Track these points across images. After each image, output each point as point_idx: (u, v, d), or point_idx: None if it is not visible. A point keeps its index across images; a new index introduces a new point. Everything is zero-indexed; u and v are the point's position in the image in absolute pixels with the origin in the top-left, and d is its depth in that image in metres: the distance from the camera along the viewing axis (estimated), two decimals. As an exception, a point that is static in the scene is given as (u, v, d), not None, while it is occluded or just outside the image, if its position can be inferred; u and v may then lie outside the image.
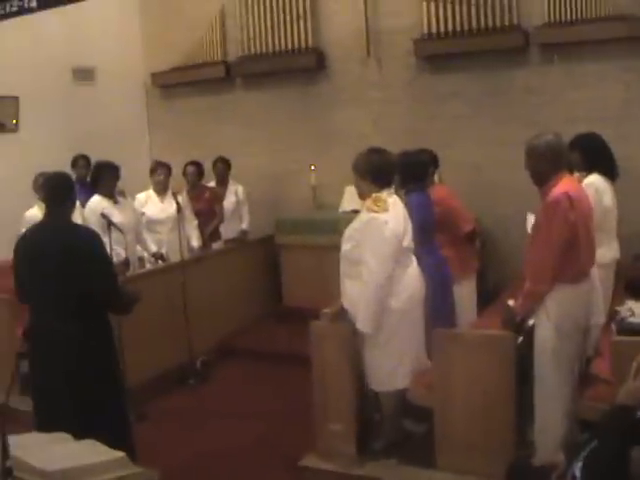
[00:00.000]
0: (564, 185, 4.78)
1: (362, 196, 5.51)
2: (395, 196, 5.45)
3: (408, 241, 5.36)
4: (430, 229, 6.12)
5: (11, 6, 6.24)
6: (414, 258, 5.49)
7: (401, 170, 5.89)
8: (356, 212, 8.70)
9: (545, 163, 4.84)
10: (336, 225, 8.67)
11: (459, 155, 8.61)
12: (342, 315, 5.45)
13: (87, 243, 4.90)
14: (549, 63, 8.63)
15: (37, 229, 5.06)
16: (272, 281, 9.47)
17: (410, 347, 5.41)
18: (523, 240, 8.15)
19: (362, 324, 5.25)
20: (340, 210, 9.29)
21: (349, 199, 9.22)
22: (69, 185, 5.12)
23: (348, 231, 5.43)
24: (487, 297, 7.22)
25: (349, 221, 8.37)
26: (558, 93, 8.56)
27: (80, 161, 9.21)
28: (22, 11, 6.24)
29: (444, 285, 6.23)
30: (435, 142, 8.13)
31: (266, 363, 8.05)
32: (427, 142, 8.11)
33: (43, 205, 5.80)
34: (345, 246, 5.39)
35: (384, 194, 5.33)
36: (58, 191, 5.00)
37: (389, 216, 5.23)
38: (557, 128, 7.89)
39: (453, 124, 9.10)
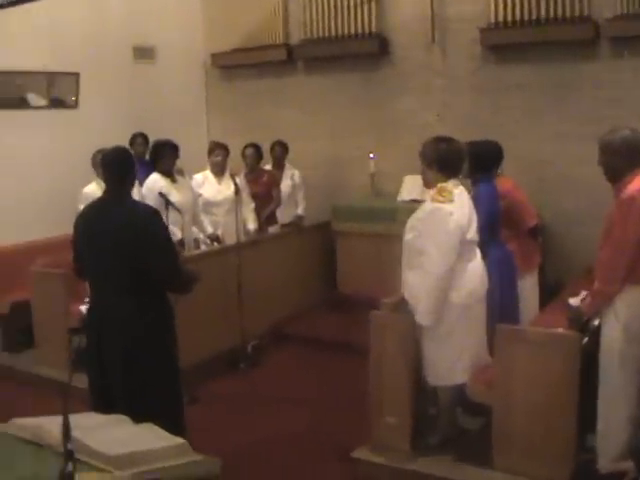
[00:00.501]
0: (639, 182, 4.61)
1: (427, 185, 5.37)
2: (461, 187, 5.30)
3: (472, 234, 5.21)
4: (497, 221, 5.97)
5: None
6: (478, 252, 5.35)
7: (470, 160, 5.70)
8: (415, 202, 8.69)
9: (620, 159, 4.67)
10: (394, 214, 8.65)
11: (522, 148, 8.40)
12: (403, 306, 5.34)
13: (147, 220, 4.81)
14: (619, 57, 8.37)
15: (96, 205, 4.99)
16: (327, 268, 9.38)
17: (470, 342, 5.27)
18: (586, 236, 8.11)
19: (421, 317, 5.13)
20: (399, 199, 9.17)
21: (408, 188, 9.13)
22: (129, 160, 5.00)
23: (411, 221, 5.30)
24: (548, 292, 7.05)
25: (408, 210, 8.35)
26: (628, 89, 8.30)
27: (138, 139, 9.21)
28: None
29: (511, 279, 6.09)
30: (499, 134, 7.90)
31: (319, 350, 7.98)
32: (491, 133, 7.91)
33: (101, 182, 5.78)
34: (407, 236, 5.25)
35: (450, 184, 5.19)
36: (117, 166, 4.89)
37: (454, 207, 5.09)
38: (626, 124, 7.83)
39: (518, 116, 8.91)
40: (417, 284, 5.15)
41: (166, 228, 5.10)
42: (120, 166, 4.90)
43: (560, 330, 4.99)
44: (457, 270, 5.11)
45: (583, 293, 6.25)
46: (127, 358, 4.71)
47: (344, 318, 8.54)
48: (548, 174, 8.67)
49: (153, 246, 4.72)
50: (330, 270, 9.33)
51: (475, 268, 5.28)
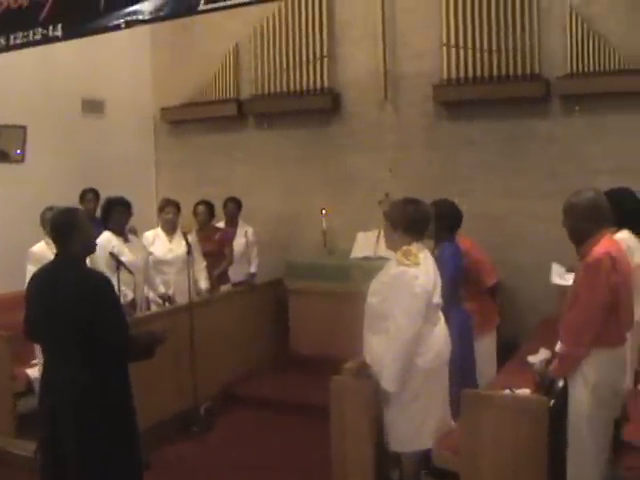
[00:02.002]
0: (605, 244, 4.56)
1: (391, 246, 5.28)
2: (426, 250, 5.21)
3: (437, 297, 5.13)
4: (459, 282, 5.90)
5: (34, 34, 6.02)
6: (441, 315, 5.26)
7: (435, 221, 5.61)
8: (368, 259, 8.63)
9: (586, 221, 4.61)
10: (347, 271, 8.56)
11: (476, 205, 8.38)
12: (364, 371, 5.19)
13: (97, 289, 4.60)
14: (571, 114, 8.45)
15: (47, 269, 4.79)
16: (280, 326, 9.17)
17: (435, 407, 5.17)
18: (542, 292, 8.10)
19: (386, 383, 4.99)
20: (352, 256, 9.05)
21: (361, 245, 9.04)
22: (76, 221, 4.76)
23: (375, 284, 5.19)
24: (504, 349, 7.01)
25: (361, 267, 8.41)
26: (580, 145, 8.39)
27: (89, 194, 9.03)
28: (46, 40, 6.01)
29: (469, 340, 6.02)
30: (452, 190, 7.99)
31: (272, 412, 7.77)
32: (443, 190, 7.97)
33: (50, 241, 5.58)
34: (371, 299, 5.15)
35: (415, 247, 5.09)
36: (64, 229, 4.70)
37: (420, 271, 5.00)
38: (578, 180, 7.91)
39: (470, 173, 8.94)
40: (382, 349, 5.02)
41: (117, 298, 4.87)
42: (64, 229, 4.70)
43: (526, 394, 4.91)
44: (423, 334, 5.01)
45: (542, 351, 6.22)
46: (81, 435, 4.51)
47: (297, 378, 8.41)
48: (501, 230, 8.67)
49: (103, 319, 4.51)
50: (283, 328, 9.13)
51: (440, 331, 5.19)
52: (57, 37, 6.06)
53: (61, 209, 4.92)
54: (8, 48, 6.37)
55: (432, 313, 5.11)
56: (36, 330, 4.76)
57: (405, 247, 5.09)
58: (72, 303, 4.48)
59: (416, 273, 4.98)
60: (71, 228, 4.70)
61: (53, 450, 4.65)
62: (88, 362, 4.52)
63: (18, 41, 6.23)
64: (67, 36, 6.03)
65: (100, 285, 4.66)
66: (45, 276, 4.73)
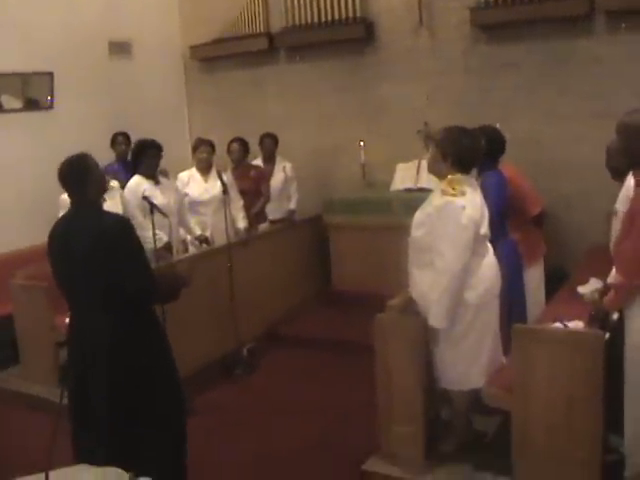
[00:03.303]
0: (663, 166, 4.29)
1: (435, 173, 5.03)
2: (473, 180, 4.97)
3: (485, 228, 4.88)
4: (506, 212, 5.66)
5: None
6: (490, 247, 5.02)
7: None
8: (409, 190, 8.42)
9: None
10: (388, 204, 8.40)
11: (517, 130, 8.03)
12: (411, 307, 5.01)
13: (116, 232, 4.40)
14: (616, 32, 8.04)
15: (62, 221, 4.63)
16: (321, 264, 9.08)
17: (486, 343, 4.96)
18: (589, 218, 7.86)
19: (435, 319, 4.80)
20: (392, 189, 8.84)
21: (401, 177, 8.86)
22: (85, 168, 4.55)
23: (419, 216, 4.95)
24: (552, 281, 6.76)
25: (402, 200, 8.20)
26: (625, 64, 7.99)
27: (119, 138, 8.87)
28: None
29: (519, 272, 5.82)
30: (492, 116, 7.71)
31: (317, 351, 7.67)
32: (484, 116, 7.70)
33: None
34: (415, 232, 4.92)
35: (461, 177, 4.84)
36: (73, 178, 4.50)
37: (466, 201, 4.75)
38: (623, 102, 7.56)
39: (511, 97, 8.60)
40: (428, 284, 4.82)
41: (136, 241, 4.61)
42: (77, 177, 4.49)
43: (580, 328, 4.69)
44: (472, 268, 4.79)
45: (593, 280, 5.99)
46: (108, 382, 4.38)
47: (340, 316, 8.30)
48: (545, 156, 8.37)
49: (123, 264, 4.33)
50: (324, 266, 9.03)
51: (489, 264, 4.97)
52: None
53: (69, 158, 4.71)
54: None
55: (480, 245, 4.88)
56: (63, 285, 4.60)
57: (451, 176, 4.84)
58: (90, 251, 4.30)
59: (462, 203, 4.73)
60: (84, 174, 4.51)
61: (83, 398, 4.52)
62: (113, 310, 4.35)
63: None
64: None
65: (119, 225, 4.49)
66: (62, 227, 4.55)
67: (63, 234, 4.49)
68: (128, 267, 4.34)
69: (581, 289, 5.96)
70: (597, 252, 7.04)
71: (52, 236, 4.58)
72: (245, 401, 6.74)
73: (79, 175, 4.50)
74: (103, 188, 4.78)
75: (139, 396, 4.43)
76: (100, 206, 4.63)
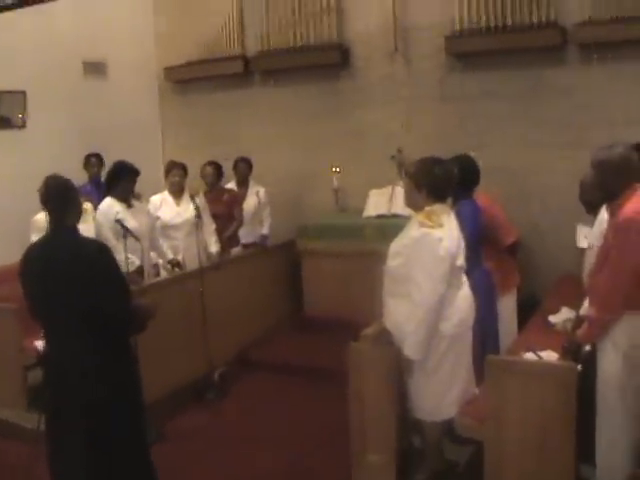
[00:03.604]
0: (636, 202, 4.32)
1: (413, 207, 5.03)
2: (450, 211, 4.98)
3: (462, 260, 4.91)
4: (480, 241, 5.68)
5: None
6: (465, 278, 5.04)
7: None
8: (382, 217, 8.42)
9: (617, 177, 4.36)
10: (361, 231, 8.35)
11: (491, 158, 8.00)
12: (384, 337, 5.01)
13: (96, 256, 4.40)
14: (588, 63, 8.12)
15: (41, 243, 4.58)
16: (293, 289, 9.03)
17: (459, 374, 4.99)
18: (562, 248, 7.89)
19: (410, 350, 4.80)
20: (364, 215, 8.84)
21: (374, 203, 8.84)
22: (65, 191, 4.55)
23: (395, 246, 4.96)
24: (523, 309, 6.79)
25: (375, 226, 8.20)
26: (597, 95, 8.08)
27: (92, 160, 8.89)
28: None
29: (492, 301, 5.82)
30: (467, 144, 7.74)
31: (288, 376, 7.61)
32: (459, 144, 7.75)
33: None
34: (392, 262, 4.93)
35: (438, 208, 4.86)
36: (58, 200, 4.48)
37: (443, 233, 4.77)
38: (595, 133, 7.68)
39: (485, 125, 8.66)
40: (404, 315, 4.82)
41: (116, 264, 4.61)
42: (60, 200, 4.48)
43: (553, 360, 4.72)
44: (447, 299, 4.81)
45: (564, 310, 6.04)
46: (88, 414, 4.34)
47: (312, 341, 8.21)
48: (518, 185, 8.42)
49: (103, 289, 4.31)
50: (296, 291, 8.98)
51: (464, 295, 5.00)
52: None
53: (54, 179, 4.69)
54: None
55: (456, 276, 4.90)
56: (37, 310, 4.56)
57: (428, 208, 4.86)
58: (73, 276, 4.28)
59: (440, 235, 4.76)
60: (67, 198, 4.51)
61: (59, 427, 4.49)
62: (91, 339, 4.33)
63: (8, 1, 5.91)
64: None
65: (97, 249, 4.49)
66: (40, 250, 4.51)
67: (41, 258, 4.45)
68: (108, 291, 4.32)
69: (552, 318, 6.03)
70: (568, 281, 7.10)
71: (29, 259, 4.54)
72: (216, 426, 6.68)
73: (62, 198, 4.49)
74: (81, 212, 4.75)
75: (111, 420, 4.41)
76: (77, 230, 4.60)
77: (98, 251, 4.46)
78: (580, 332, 4.57)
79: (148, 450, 4.74)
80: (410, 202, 5.06)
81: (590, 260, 4.81)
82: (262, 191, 9.06)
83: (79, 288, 4.27)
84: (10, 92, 8.85)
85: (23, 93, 8.97)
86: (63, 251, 4.38)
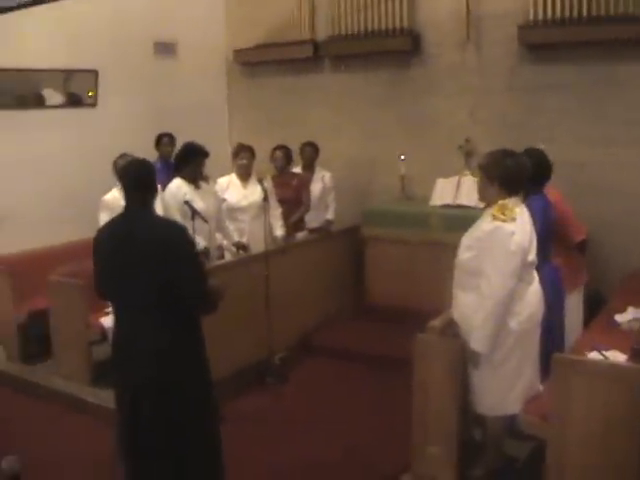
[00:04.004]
0: None
1: (485, 200, 5.00)
2: (523, 205, 4.93)
3: (533, 255, 4.85)
4: (550, 236, 5.61)
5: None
6: (536, 274, 4.99)
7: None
8: (448, 207, 8.38)
9: None
10: (426, 219, 8.32)
11: (560, 152, 7.86)
12: (451, 329, 5.00)
13: (174, 236, 4.45)
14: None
15: (117, 222, 4.63)
16: (357, 275, 9.01)
17: (525, 371, 4.94)
18: (624, 244, 7.78)
19: (477, 343, 4.78)
20: (430, 203, 8.78)
21: (440, 193, 8.78)
22: (151, 175, 4.64)
23: (467, 239, 4.93)
24: (589, 306, 6.72)
25: (441, 216, 8.16)
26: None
27: (165, 139, 9.02)
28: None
29: (560, 297, 5.76)
30: (535, 136, 7.66)
31: (349, 363, 7.65)
32: (526, 136, 7.70)
33: (123, 191, 5.45)
34: (463, 255, 4.91)
35: (511, 202, 4.82)
36: (139, 182, 4.54)
37: (516, 227, 4.73)
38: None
39: (556, 118, 8.51)
40: (472, 308, 4.80)
41: (194, 245, 4.73)
42: (142, 182, 4.55)
43: (621, 361, 4.66)
44: (517, 294, 4.77)
45: (631, 310, 5.96)
46: (160, 391, 4.41)
47: (374, 329, 8.24)
48: (587, 180, 8.27)
49: (181, 263, 4.37)
50: (359, 277, 8.96)
51: (534, 291, 4.94)
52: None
53: (134, 161, 4.77)
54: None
55: (527, 272, 4.86)
56: (109, 288, 4.62)
57: (501, 201, 4.82)
58: (148, 250, 4.34)
59: (512, 229, 4.71)
60: (149, 180, 4.59)
61: (131, 413, 4.55)
62: (165, 319, 4.39)
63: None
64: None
65: (176, 230, 4.55)
66: (117, 230, 4.56)
67: (118, 235, 4.51)
68: (186, 270, 4.37)
69: (618, 317, 5.94)
70: (636, 279, 7.01)
71: (104, 236, 4.62)
72: (275, 410, 6.73)
73: (144, 180, 4.57)
74: (157, 193, 4.83)
75: (182, 401, 4.49)
76: (154, 210, 4.70)
77: (176, 230, 4.52)
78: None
79: (217, 430, 4.81)
80: (483, 195, 5.02)
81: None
82: (328, 176, 9.05)
83: (155, 266, 4.32)
84: (82, 70, 8.99)
85: (95, 72, 9.09)
86: (140, 229, 4.43)
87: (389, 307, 8.30)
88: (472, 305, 4.81)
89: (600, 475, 4.51)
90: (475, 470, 5.20)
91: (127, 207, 4.59)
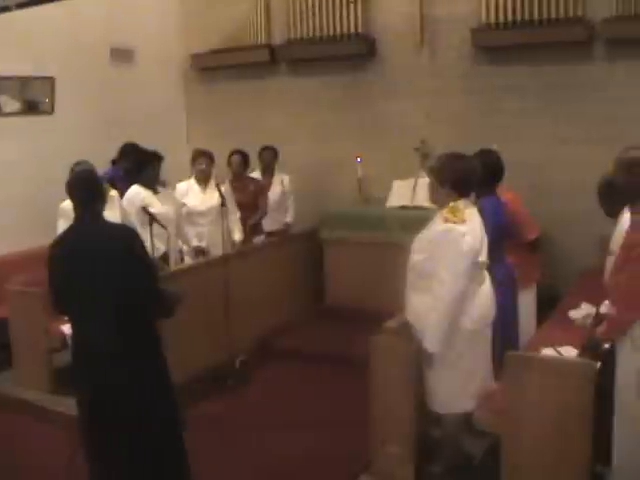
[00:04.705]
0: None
1: (436, 202, 5.08)
2: (473, 207, 5.03)
3: (484, 256, 4.95)
4: (502, 236, 5.71)
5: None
6: (487, 274, 5.09)
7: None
8: (405, 208, 8.47)
9: None
10: (384, 221, 8.39)
11: (515, 152, 7.97)
12: (406, 330, 5.06)
13: (127, 241, 4.52)
14: (614, 59, 8.13)
15: (70, 232, 4.68)
16: (315, 277, 9.07)
17: (478, 369, 5.04)
18: (582, 243, 7.91)
19: (430, 343, 4.86)
20: (388, 205, 8.89)
21: (397, 194, 8.89)
22: (96, 182, 4.73)
23: (419, 241, 5.02)
24: (543, 303, 6.83)
25: (398, 217, 8.25)
26: (622, 91, 8.08)
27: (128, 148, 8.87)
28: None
29: (512, 295, 5.86)
30: (490, 138, 7.74)
31: (308, 364, 7.68)
32: (481, 138, 7.79)
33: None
34: (415, 257, 4.99)
35: (462, 203, 4.91)
36: (85, 191, 4.60)
37: (467, 228, 4.82)
38: (620, 127, 7.67)
39: (510, 120, 8.66)
40: (425, 308, 4.88)
41: (145, 249, 4.78)
42: (87, 191, 4.60)
43: (572, 357, 4.76)
44: (468, 294, 4.86)
45: (584, 305, 6.07)
46: (119, 395, 4.45)
47: (333, 330, 8.28)
48: (539, 179, 8.44)
49: (134, 273, 4.44)
50: (318, 280, 9.03)
51: (486, 291, 5.05)
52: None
53: (80, 171, 4.86)
54: (33, 2, 6.14)
55: (478, 272, 4.96)
56: (65, 300, 4.65)
57: (452, 203, 4.91)
58: (103, 260, 4.38)
59: (463, 230, 4.81)
60: (94, 188, 4.66)
61: (90, 418, 4.61)
62: (120, 323, 4.43)
63: None
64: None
65: (128, 235, 4.62)
66: (69, 244, 4.60)
67: (70, 242, 4.57)
68: (137, 273, 4.44)
69: (572, 313, 6.05)
70: (589, 276, 7.11)
71: (57, 244, 4.65)
72: (236, 413, 6.75)
73: (90, 189, 4.62)
74: (105, 200, 4.87)
75: (139, 406, 4.54)
76: (103, 216, 4.72)
77: (127, 236, 4.58)
78: (600, 330, 4.61)
79: (179, 432, 4.87)
80: (434, 198, 5.11)
81: (610, 266, 4.82)
82: (287, 179, 9.14)
83: (107, 271, 4.37)
84: (39, 78, 8.94)
85: (51, 79, 9.06)
86: (91, 239, 4.49)
87: (348, 309, 8.38)
88: (425, 306, 4.88)
89: (554, 470, 4.62)
90: (434, 467, 5.29)
91: (76, 219, 4.64)
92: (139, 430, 4.52)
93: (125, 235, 4.60)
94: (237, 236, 8.21)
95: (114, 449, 4.52)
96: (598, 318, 4.95)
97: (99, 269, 4.37)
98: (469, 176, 5.00)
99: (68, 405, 5.46)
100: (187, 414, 6.23)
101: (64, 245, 4.62)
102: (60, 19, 9.03)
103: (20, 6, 6.09)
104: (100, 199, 4.65)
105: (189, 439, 4.97)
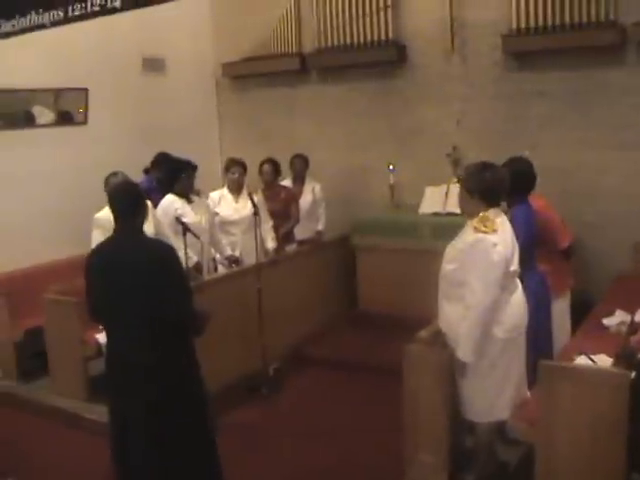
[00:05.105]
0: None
1: (467, 213, 5.07)
2: (503, 216, 5.02)
3: (515, 265, 4.94)
4: (534, 244, 5.70)
5: (92, 5, 5.83)
6: (519, 283, 5.08)
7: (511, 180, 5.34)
8: (437, 215, 8.47)
9: None
10: (416, 228, 8.40)
11: (546, 158, 8.00)
12: (439, 339, 5.08)
13: (164, 257, 4.59)
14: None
15: (109, 244, 4.76)
16: (348, 284, 9.10)
17: (512, 378, 5.02)
18: (616, 249, 7.87)
19: (463, 353, 4.86)
20: (420, 212, 8.90)
21: (429, 201, 8.89)
22: (139, 196, 4.79)
23: (451, 251, 5.02)
24: (576, 310, 6.75)
25: (430, 224, 8.26)
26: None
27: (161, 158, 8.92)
28: (104, 11, 5.81)
29: (545, 304, 5.84)
30: (521, 143, 7.78)
31: (343, 372, 7.72)
32: (512, 143, 7.82)
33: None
34: (447, 266, 4.99)
35: (492, 213, 4.91)
36: (128, 204, 4.68)
37: (498, 238, 4.82)
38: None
39: (541, 125, 8.64)
40: (458, 318, 4.88)
41: (182, 267, 4.89)
42: (130, 205, 4.69)
43: (606, 366, 4.74)
44: (500, 303, 4.85)
45: (619, 313, 6.03)
46: (151, 411, 4.50)
47: (366, 337, 8.34)
48: (570, 184, 8.38)
49: (170, 284, 4.50)
50: (351, 286, 9.06)
51: (518, 300, 5.03)
52: (115, 8, 5.87)
53: (124, 186, 4.91)
54: (67, 20, 6.20)
55: (510, 281, 4.94)
56: (101, 310, 4.72)
57: (482, 213, 4.91)
58: (140, 277, 4.46)
59: (494, 240, 4.80)
60: (137, 203, 4.72)
61: (122, 429, 4.67)
62: (156, 340, 4.50)
63: (77, 13, 6.04)
64: (126, 6, 5.82)
65: (166, 251, 4.67)
66: (107, 256, 4.68)
67: (109, 255, 4.64)
68: (173, 292, 4.50)
69: (606, 321, 6.02)
70: (623, 282, 7.10)
71: (97, 255, 4.73)
72: (269, 421, 6.81)
73: (132, 202, 4.69)
74: (146, 214, 4.93)
75: (172, 417, 4.59)
76: (143, 231, 4.80)
77: (165, 252, 4.64)
78: (635, 339, 4.59)
79: (213, 443, 4.93)
80: (464, 208, 5.12)
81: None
82: (318, 187, 9.15)
83: (143, 284, 4.45)
84: (73, 89, 9.05)
85: (85, 90, 9.15)
86: (131, 250, 4.57)
87: (381, 315, 8.40)
88: (457, 315, 4.89)
89: (588, 478, 4.60)
90: (467, 476, 5.29)
91: (116, 231, 4.70)
92: (171, 437, 4.59)
93: (163, 251, 4.67)
94: (270, 245, 8.23)
95: (144, 457, 4.57)
96: (633, 326, 4.92)
97: (135, 282, 4.45)
98: (497, 186, 4.99)
99: (102, 413, 5.52)
100: (221, 422, 6.32)
101: (102, 256, 4.70)
102: (92, 31, 9.07)
103: (55, 24, 6.12)
104: (141, 213, 4.73)
105: (222, 447, 5.03)
